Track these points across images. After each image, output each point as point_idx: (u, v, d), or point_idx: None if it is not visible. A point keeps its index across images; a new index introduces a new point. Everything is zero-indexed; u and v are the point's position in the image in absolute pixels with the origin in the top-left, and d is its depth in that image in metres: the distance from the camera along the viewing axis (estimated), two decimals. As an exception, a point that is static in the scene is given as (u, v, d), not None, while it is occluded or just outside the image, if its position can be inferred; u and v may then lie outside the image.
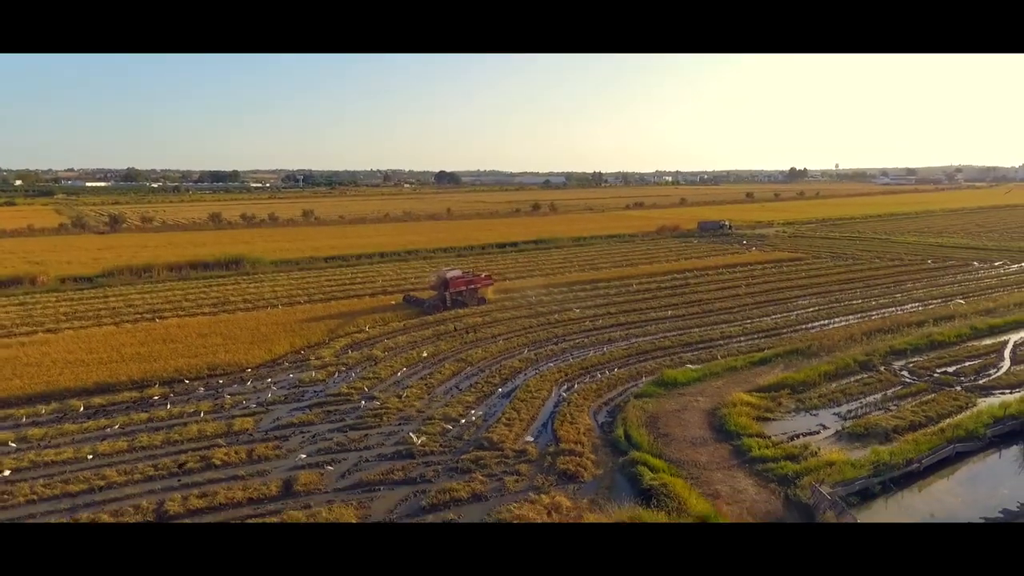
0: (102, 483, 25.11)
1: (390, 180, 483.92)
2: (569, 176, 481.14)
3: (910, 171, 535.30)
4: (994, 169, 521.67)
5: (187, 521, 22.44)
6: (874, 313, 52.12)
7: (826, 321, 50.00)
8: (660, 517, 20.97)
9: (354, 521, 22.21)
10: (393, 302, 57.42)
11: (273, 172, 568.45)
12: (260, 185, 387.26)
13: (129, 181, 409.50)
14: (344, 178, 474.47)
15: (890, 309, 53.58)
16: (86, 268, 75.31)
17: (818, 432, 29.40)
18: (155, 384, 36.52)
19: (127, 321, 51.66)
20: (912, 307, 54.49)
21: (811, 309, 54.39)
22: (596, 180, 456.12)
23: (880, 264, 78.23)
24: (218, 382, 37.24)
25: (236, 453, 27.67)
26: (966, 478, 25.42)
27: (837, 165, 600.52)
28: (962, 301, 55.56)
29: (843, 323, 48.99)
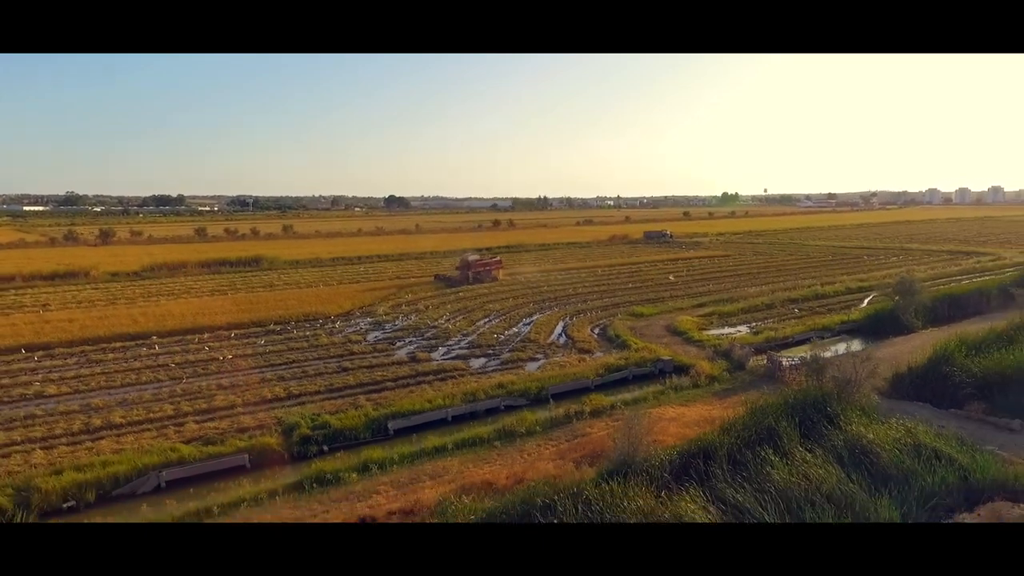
0: (289, 360, 39.24)
1: (338, 205, 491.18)
2: (515, 201, 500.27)
3: (831, 195, 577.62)
4: (905, 193, 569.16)
5: (359, 372, 36.72)
6: (781, 284, 69.81)
7: (746, 288, 67.31)
8: (644, 355, 36.78)
9: (467, 371, 37.14)
10: (413, 281, 72.16)
11: (212, 198, 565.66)
12: (208, 209, 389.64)
13: (69, 205, 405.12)
14: (289, 203, 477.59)
15: (793, 282, 71.41)
16: (121, 267, 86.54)
17: (735, 333, 45.89)
18: (270, 324, 50.20)
19: (204, 295, 64.67)
20: (809, 281, 72.48)
21: (734, 282, 71.82)
22: (542, 204, 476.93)
23: (792, 258, 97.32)
24: (317, 322, 51.29)
25: (365, 348, 42.16)
26: (817, 346, 42.27)
27: (766, 190, 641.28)
28: (846, 276, 74.01)
29: (757, 289, 66.34)
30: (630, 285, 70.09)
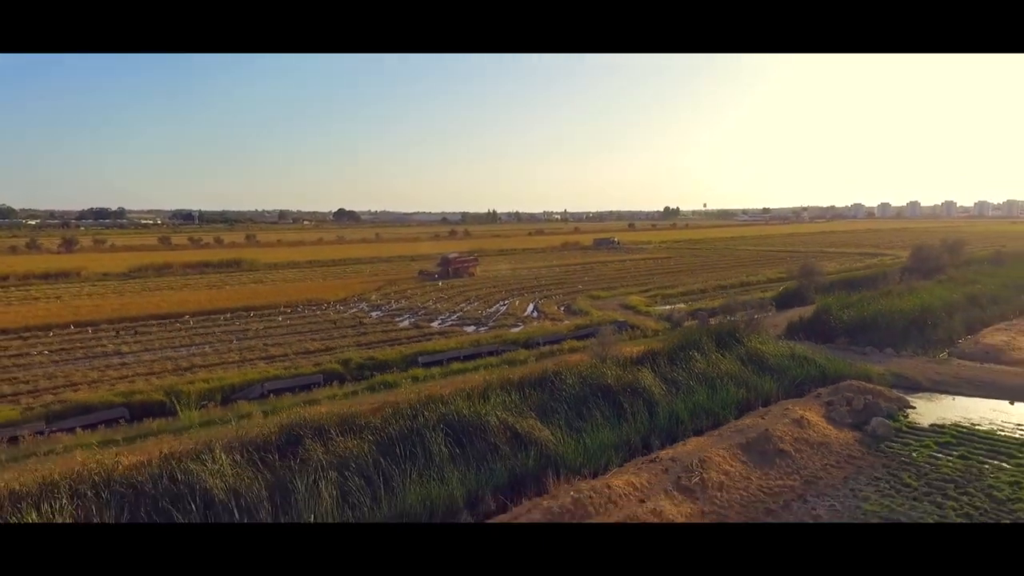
0: (312, 329, 47.30)
1: (285, 219, 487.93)
2: (464, 215, 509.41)
3: (766, 210, 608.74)
4: (832, 208, 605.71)
5: (376, 334, 45.10)
6: (714, 276, 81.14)
7: (685, 278, 78.32)
8: (604, 318, 46.46)
9: (464, 333, 46.00)
10: (392, 278, 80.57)
11: (149, 212, 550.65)
12: (152, 222, 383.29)
13: (2, 218, 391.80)
14: (233, 216, 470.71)
15: (724, 274, 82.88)
16: (108, 268, 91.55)
17: (675, 307, 56.22)
18: (280, 307, 57.84)
19: (203, 289, 71.44)
20: (738, 274, 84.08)
21: (675, 276, 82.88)
22: (492, 218, 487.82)
23: (725, 259, 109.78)
24: (321, 306, 59.20)
25: (373, 321, 50.55)
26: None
27: (705, 205, 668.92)
28: (768, 271, 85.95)
29: (694, 279, 77.38)
30: (586, 278, 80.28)
